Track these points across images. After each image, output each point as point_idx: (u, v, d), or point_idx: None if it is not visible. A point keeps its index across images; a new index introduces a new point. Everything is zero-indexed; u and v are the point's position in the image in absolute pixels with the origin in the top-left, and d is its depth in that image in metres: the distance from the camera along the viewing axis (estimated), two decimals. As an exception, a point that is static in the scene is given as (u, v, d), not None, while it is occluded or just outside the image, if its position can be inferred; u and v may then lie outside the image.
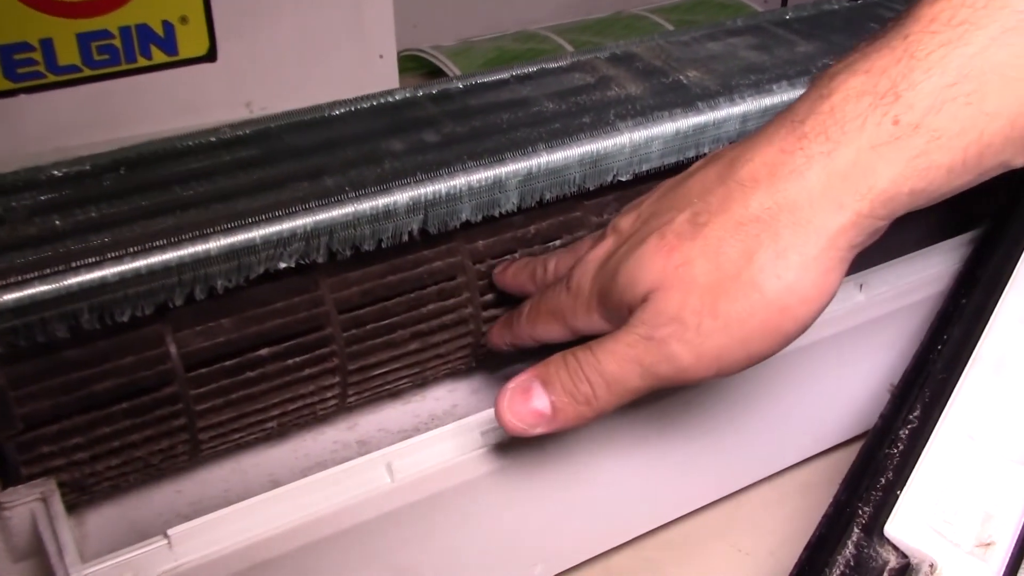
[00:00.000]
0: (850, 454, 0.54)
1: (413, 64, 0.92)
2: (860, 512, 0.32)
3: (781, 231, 0.32)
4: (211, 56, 0.78)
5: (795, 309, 0.32)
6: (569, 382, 0.35)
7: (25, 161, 0.45)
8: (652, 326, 0.33)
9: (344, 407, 0.47)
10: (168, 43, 0.75)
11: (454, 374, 0.53)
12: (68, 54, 0.72)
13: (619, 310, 0.35)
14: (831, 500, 0.38)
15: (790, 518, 0.51)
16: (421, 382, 0.50)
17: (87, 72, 0.73)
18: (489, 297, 0.47)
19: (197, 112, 0.81)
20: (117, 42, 0.73)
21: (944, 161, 0.31)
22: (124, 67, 0.75)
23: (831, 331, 0.47)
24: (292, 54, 0.81)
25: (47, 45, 0.70)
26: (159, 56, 0.76)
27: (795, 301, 0.32)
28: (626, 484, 0.46)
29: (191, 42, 0.77)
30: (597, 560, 0.48)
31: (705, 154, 0.48)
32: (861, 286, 0.49)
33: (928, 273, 0.50)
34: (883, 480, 0.33)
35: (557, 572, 0.46)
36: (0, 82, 0.71)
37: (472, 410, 0.52)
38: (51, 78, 0.72)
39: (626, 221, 0.38)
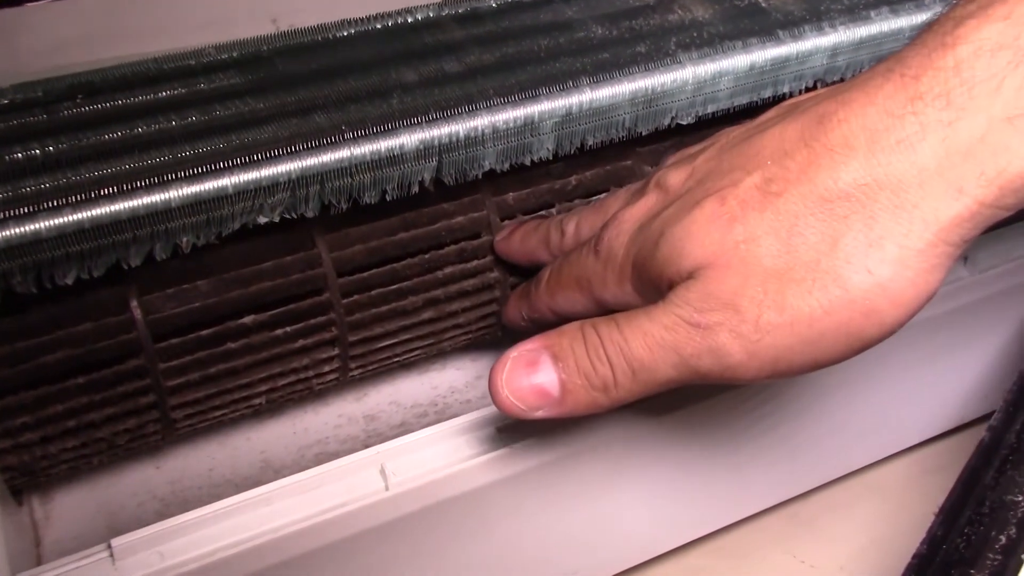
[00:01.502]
0: (935, 453, 0.47)
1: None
2: (974, 581, 0.25)
3: (878, 214, 0.25)
4: (233, -34, 0.71)
5: (883, 312, 0.26)
6: (586, 360, 0.29)
7: (29, 79, 0.39)
8: (699, 309, 0.27)
9: (346, 381, 0.41)
10: (185, -49, 0.68)
11: (472, 345, 0.46)
12: (75, -39, 0.65)
13: (658, 283, 0.29)
14: (925, 534, 0.31)
15: (862, 525, 0.44)
16: (437, 353, 0.43)
17: (94, -19, 0.66)
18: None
19: (218, 28, 0.73)
20: (129, -51, 0.66)
21: None
22: (135, -24, 0.67)
23: (923, 315, 0.39)
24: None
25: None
26: (175, -35, 0.69)
27: (885, 302, 0.26)
28: (669, 488, 0.39)
29: (211, -50, 0.69)
30: (634, 570, 0.41)
31: (784, 96, 0.40)
32: (965, 259, 0.41)
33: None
34: (1003, 539, 0.25)
35: (586, 585, 0.40)
36: (-3, -9, 0.64)
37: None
38: (54, -13, 0.65)
39: (676, 176, 0.31)
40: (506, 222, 0.39)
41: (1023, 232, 0.43)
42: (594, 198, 0.40)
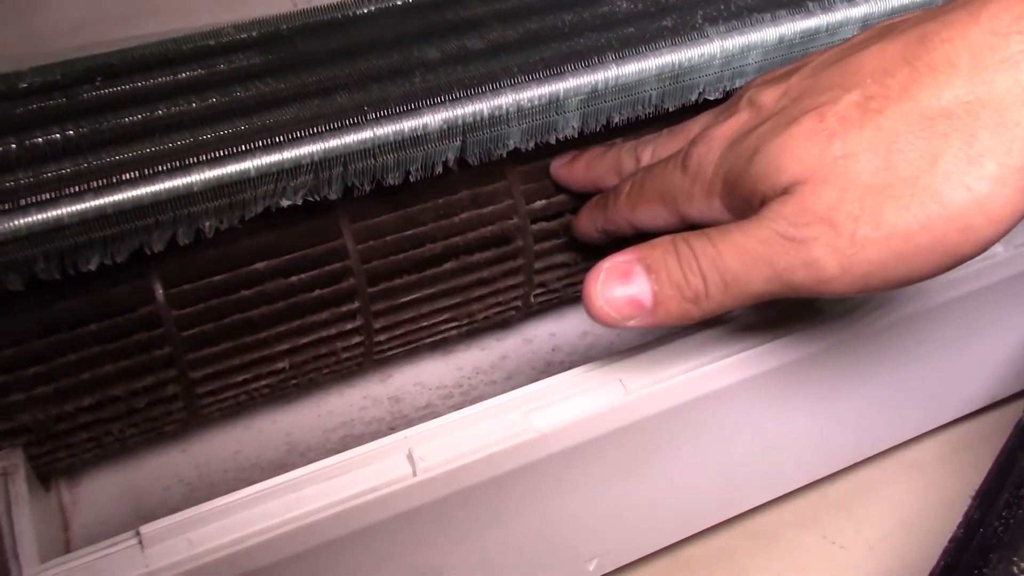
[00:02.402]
0: (967, 432, 0.46)
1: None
2: (1015, 569, 0.24)
3: (979, 132, 0.26)
4: (250, -58, 0.70)
5: (979, 229, 0.26)
6: (678, 272, 0.29)
7: (46, 60, 0.38)
8: (794, 224, 0.28)
9: (373, 349, 0.40)
10: (200, -72, 0.67)
11: (503, 322, 0.45)
12: (90, -60, 0.64)
13: (750, 199, 0.30)
14: (961, 518, 0.31)
15: (893, 505, 0.44)
16: (467, 321, 0.42)
17: (110, -40, 0.66)
18: (539, 204, 0.39)
19: (235, 7, 0.73)
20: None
21: None
22: (150, -45, 0.67)
23: (957, 292, 0.39)
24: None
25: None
26: (192, -58, 0.68)
27: (982, 219, 0.26)
28: (698, 472, 0.38)
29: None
30: (662, 551, 0.41)
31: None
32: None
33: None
34: (1049, 521, 0.25)
35: (616, 567, 0.39)
36: (12, -29, 0.63)
37: (523, 362, 0.46)
38: (69, -33, 0.65)
39: (769, 94, 0.31)
40: (529, 184, 0.39)
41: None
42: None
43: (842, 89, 0.28)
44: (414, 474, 0.31)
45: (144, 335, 0.34)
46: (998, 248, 0.40)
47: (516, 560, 0.37)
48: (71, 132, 0.32)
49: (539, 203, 0.40)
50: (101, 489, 0.40)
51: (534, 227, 0.40)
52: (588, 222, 0.38)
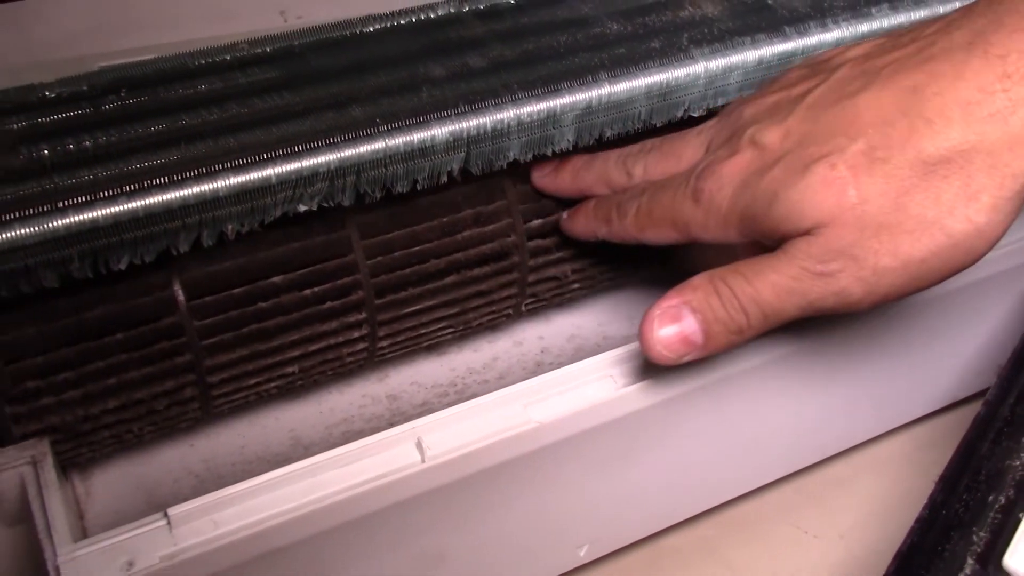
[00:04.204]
0: (932, 430, 0.49)
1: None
2: (974, 538, 0.27)
3: (975, 174, 0.30)
4: (241, -41, 0.72)
5: (978, 249, 0.32)
6: (723, 311, 0.33)
7: (37, 71, 0.40)
8: (822, 261, 0.32)
9: (375, 353, 0.42)
10: (194, -56, 0.69)
11: (494, 326, 0.48)
12: (86, -46, 0.66)
13: (769, 234, 0.33)
14: (926, 501, 0.33)
15: (862, 498, 0.46)
16: (462, 327, 0.44)
17: (107, -26, 0.67)
18: (535, 223, 0.42)
19: (226, 20, 0.75)
20: (139, -58, 0.67)
21: None
22: (147, -31, 0.69)
23: (920, 299, 0.42)
24: (327, -41, 0.75)
25: (64, -56, 0.65)
26: (185, -42, 0.70)
27: (980, 242, 0.31)
28: (682, 462, 0.41)
29: (219, -57, 0.71)
30: (647, 541, 0.43)
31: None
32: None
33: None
34: (1003, 498, 0.28)
35: (605, 553, 0.42)
36: (12, -16, 0.65)
37: (514, 363, 0.48)
38: (67, -20, 0.66)
39: (772, 136, 0.34)
40: (519, 185, 0.41)
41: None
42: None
43: (846, 138, 0.32)
44: (423, 461, 0.34)
45: (167, 344, 0.36)
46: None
47: (514, 545, 0.39)
48: (101, 139, 0.34)
49: (536, 222, 0.42)
50: (114, 481, 0.42)
51: (530, 244, 0.42)
52: (585, 228, 0.41)
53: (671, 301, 0.33)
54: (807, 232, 0.32)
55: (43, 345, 0.34)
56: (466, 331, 0.45)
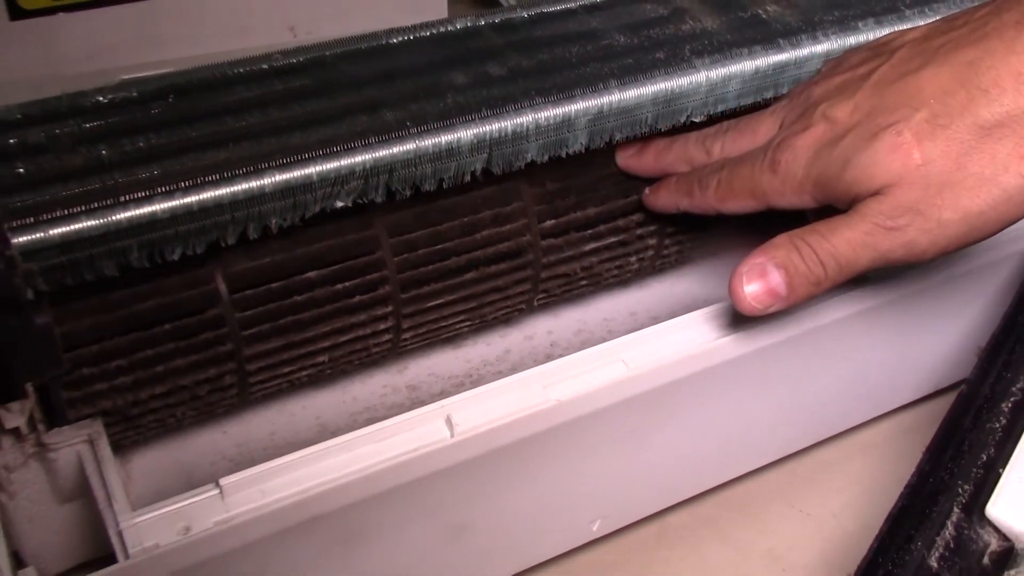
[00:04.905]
0: (917, 415, 0.53)
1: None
2: (960, 490, 0.30)
3: None
4: (254, -24, 0.75)
5: None
6: (803, 265, 0.37)
7: (64, 83, 0.43)
8: (891, 217, 0.36)
9: (398, 344, 0.45)
10: (210, -38, 0.72)
11: (506, 321, 0.51)
12: (107, -28, 0.69)
13: (842, 197, 0.37)
14: (914, 470, 0.36)
15: (852, 479, 0.49)
16: (476, 326, 0.48)
17: (127, -9, 0.70)
18: (549, 223, 0.45)
19: (240, 35, 0.78)
20: (157, -40, 0.70)
21: None
22: (164, -14, 0.72)
23: (903, 291, 0.45)
24: (337, -23, 0.78)
25: (86, -38, 0.68)
26: (201, -25, 0.73)
27: None
28: (687, 442, 0.44)
29: (233, -38, 0.74)
30: (654, 517, 0.46)
31: (783, 95, 0.45)
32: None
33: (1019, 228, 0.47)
34: (984, 456, 0.31)
35: (615, 528, 0.45)
36: (40, 0, 0.68)
37: (525, 356, 0.51)
38: (91, -4, 0.69)
39: (841, 110, 0.38)
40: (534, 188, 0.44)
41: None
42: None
43: (910, 108, 0.36)
44: (452, 436, 0.36)
45: (210, 334, 0.39)
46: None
47: (532, 518, 0.42)
48: (154, 141, 0.37)
49: (549, 223, 0.45)
50: (151, 465, 0.44)
51: (543, 243, 0.45)
52: (669, 201, 0.44)
53: (757, 259, 0.37)
54: (877, 192, 0.36)
55: (98, 335, 0.37)
56: (482, 324, 0.48)
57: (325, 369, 0.44)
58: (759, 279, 0.37)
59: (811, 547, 0.46)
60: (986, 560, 0.28)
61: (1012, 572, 0.27)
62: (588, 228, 0.46)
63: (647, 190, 0.46)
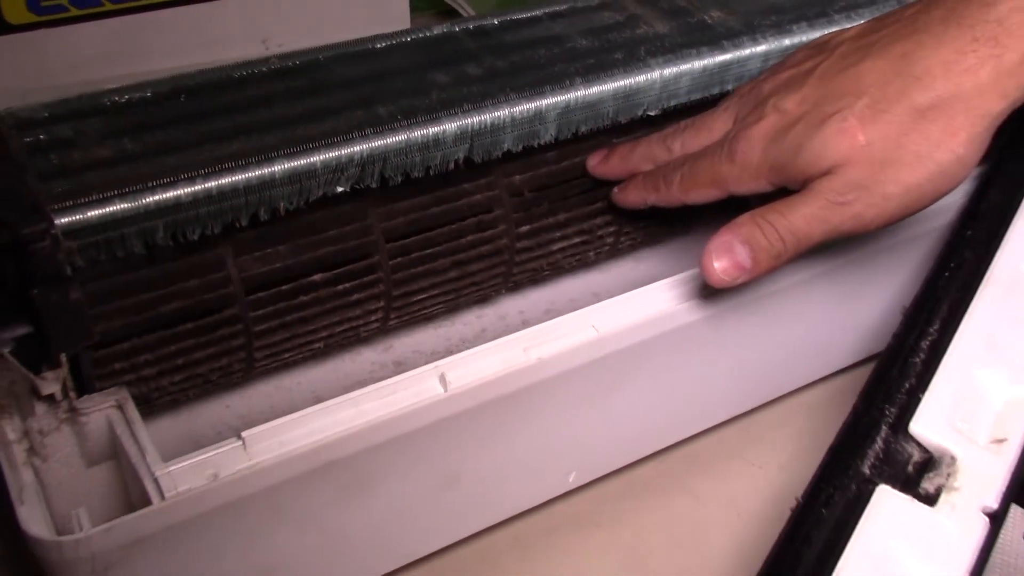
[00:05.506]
0: (852, 379, 0.58)
1: (424, 4, 0.93)
2: (887, 412, 0.35)
3: (955, 116, 0.39)
4: (228, -8, 0.80)
5: (959, 174, 0.40)
6: (764, 240, 0.41)
7: (49, 94, 0.46)
8: (841, 193, 0.40)
9: (384, 329, 0.50)
10: (186, -21, 0.76)
11: (482, 300, 0.55)
12: (90, -12, 0.73)
13: (796, 178, 0.41)
14: (850, 411, 0.42)
15: (796, 436, 0.55)
16: (454, 307, 0.52)
17: (108, 7, 0.74)
18: (524, 228, 0.50)
19: (215, 48, 0.82)
20: (137, -23, 0.74)
21: None
22: (144, 2, 0.75)
23: (836, 263, 0.50)
24: (305, -8, 0.83)
25: (69, -21, 0.72)
26: (179, -9, 0.77)
27: (961, 168, 0.40)
28: (651, 401, 0.49)
29: (208, -22, 0.78)
30: (624, 471, 0.51)
31: (728, 92, 0.50)
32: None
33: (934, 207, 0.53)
34: (907, 385, 0.36)
35: (589, 479, 0.50)
36: (24, 15, 0.71)
37: (500, 334, 0.56)
38: (74, 12, 0.73)
39: (791, 102, 0.42)
40: (513, 198, 0.49)
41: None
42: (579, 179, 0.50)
43: (853, 97, 0.40)
44: (445, 391, 0.41)
45: (227, 330, 0.43)
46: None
47: (516, 468, 0.46)
48: (173, 134, 0.41)
49: (525, 228, 0.50)
50: (161, 436, 0.48)
51: (518, 244, 0.50)
52: (637, 198, 0.49)
53: (723, 237, 0.41)
54: (827, 172, 0.40)
55: (125, 333, 0.41)
56: (460, 306, 0.53)
57: (319, 351, 0.48)
58: (726, 255, 0.41)
59: (762, 494, 0.51)
60: (910, 468, 0.33)
61: (931, 474, 0.33)
62: (557, 231, 0.51)
63: (615, 189, 0.50)
